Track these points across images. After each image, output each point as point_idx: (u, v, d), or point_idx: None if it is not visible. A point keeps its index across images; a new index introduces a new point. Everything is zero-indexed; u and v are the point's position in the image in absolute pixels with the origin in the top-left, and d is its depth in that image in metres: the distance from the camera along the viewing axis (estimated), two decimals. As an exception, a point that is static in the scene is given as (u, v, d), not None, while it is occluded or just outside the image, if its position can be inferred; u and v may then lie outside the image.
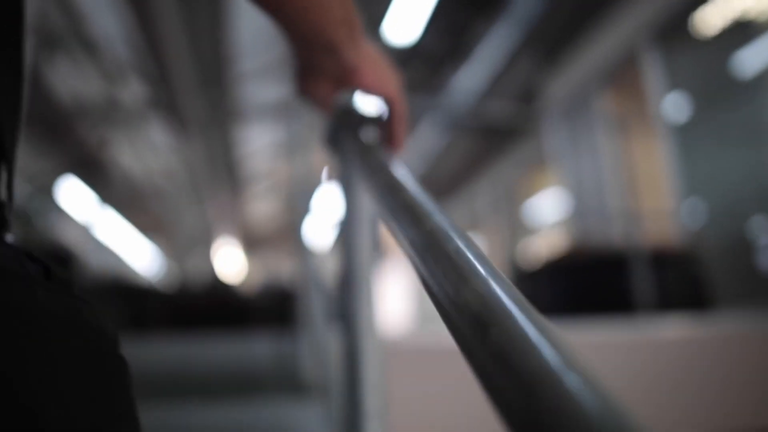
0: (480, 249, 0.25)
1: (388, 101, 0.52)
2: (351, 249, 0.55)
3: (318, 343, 1.93)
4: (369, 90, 0.51)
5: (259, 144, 8.91)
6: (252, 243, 15.26)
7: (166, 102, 6.11)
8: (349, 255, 0.55)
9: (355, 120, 0.51)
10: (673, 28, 4.09)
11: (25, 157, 8.40)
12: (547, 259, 4.01)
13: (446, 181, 8.64)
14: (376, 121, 0.52)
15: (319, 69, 0.49)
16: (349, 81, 0.50)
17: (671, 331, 2.40)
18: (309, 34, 0.44)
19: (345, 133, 0.53)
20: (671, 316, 3.02)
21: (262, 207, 12.59)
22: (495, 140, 6.64)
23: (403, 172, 0.37)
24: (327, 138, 0.57)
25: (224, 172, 10.05)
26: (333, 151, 0.58)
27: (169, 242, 7.22)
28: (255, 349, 2.33)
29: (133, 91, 6.96)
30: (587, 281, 3.49)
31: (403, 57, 6.19)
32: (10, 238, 0.34)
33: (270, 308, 4.55)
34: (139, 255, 14.52)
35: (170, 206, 7.23)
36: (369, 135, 0.50)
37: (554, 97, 5.23)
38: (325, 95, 0.52)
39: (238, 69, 6.63)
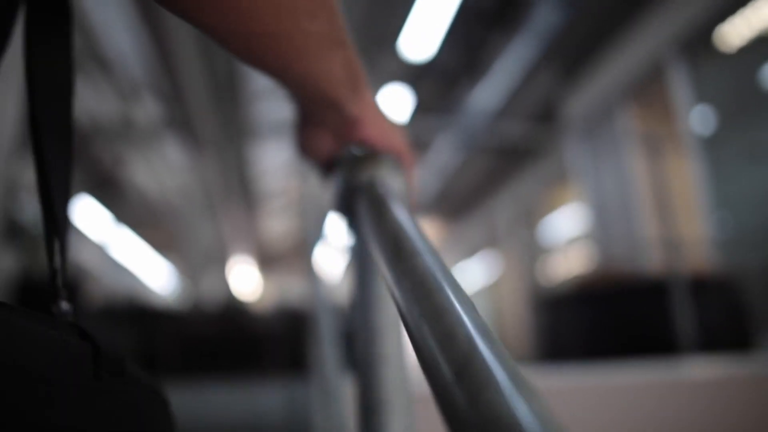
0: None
1: (397, 154, 0.49)
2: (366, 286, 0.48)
3: (330, 393, 1.77)
4: (373, 144, 0.48)
5: (274, 162, 8.86)
6: (267, 261, 15.20)
7: (180, 120, 6.06)
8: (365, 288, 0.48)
9: (360, 173, 0.46)
10: (699, 41, 3.93)
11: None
12: (571, 286, 3.77)
13: (463, 198, 8.48)
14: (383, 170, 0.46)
15: (321, 122, 0.48)
16: (351, 135, 0.47)
17: (715, 371, 2.17)
18: (309, 91, 0.42)
19: (353, 191, 0.46)
20: (714, 354, 2.73)
21: (276, 225, 12.55)
22: (513, 157, 6.48)
23: (415, 236, 0.33)
24: (337, 203, 0.49)
25: (239, 189, 10.02)
26: (345, 217, 0.50)
27: (183, 260, 7.19)
28: (264, 398, 2.19)
29: (148, 109, 6.95)
30: (617, 312, 3.15)
31: (419, 73, 6.11)
32: (64, 306, 0.34)
33: (284, 339, 4.41)
34: (153, 274, 14.53)
35: (184, 224, 7.22)
36: (378, 187, 0.44)
37: (575, 113, 5.04)
38: (326, 150, 0.50)
39: (253, 86, 6.59)
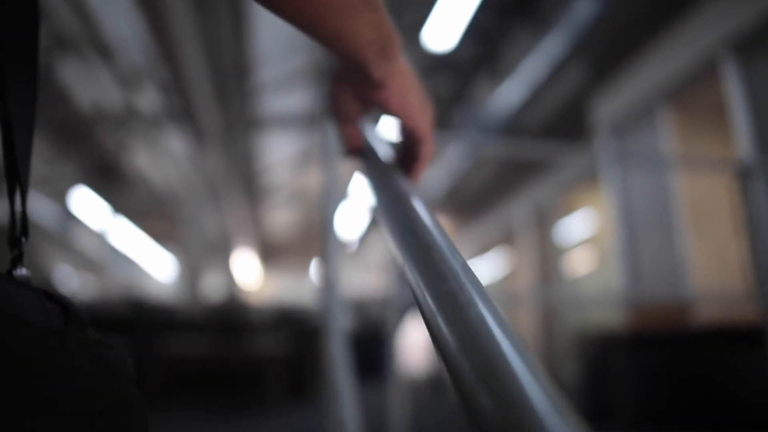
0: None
1: (414, 129, 0.49)
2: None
3: (342, 418, 1.62)
4: (392, 112, 0.48)
5: (280, 154, 8.73)
6: (270, 253, 15.09)
7: (184, 111, 5.92)
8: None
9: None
10: (753, 39, 3.53)
11: (40, 166, 8.32)
12: (622, 331, 3.20)
13: (478, 196, 8.30)
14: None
15: (348, 80, 0.48)
16: (373, 97, 0.47)
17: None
18: (338, 48, 0.42)
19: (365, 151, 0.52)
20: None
21: (280, 217, 12.42)
22: (535, 155, 6.27)
23: (419, 208, 0.36)
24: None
25: (243, 181, 9.89)
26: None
27: (184, 251, 7.14)
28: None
29: (152, 100, 6.81)
30: (685, 363, 2.43)
31: (441, 65, 5.95)
32: (23, 273, 0.36)
33: (286, 357, 4.09)
34: (154, 264, 14.43)
35: (186, 214, 7.14)
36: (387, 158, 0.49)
37: (605, 113, 4.72)
38: (352, 111, 0.50)
39: (260, 78, 6.45)
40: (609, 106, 4.72)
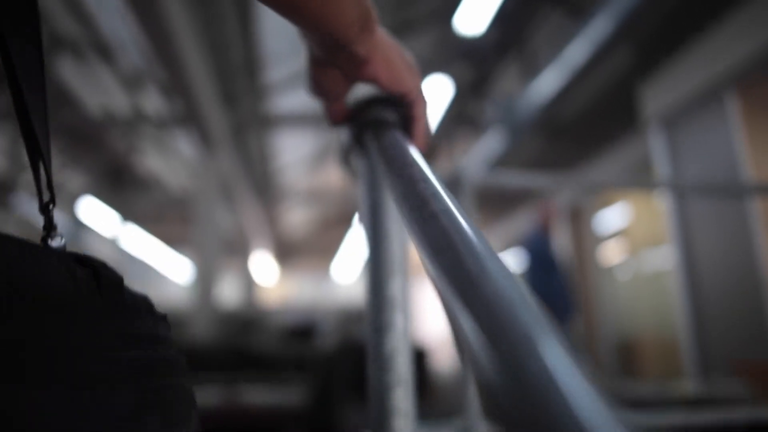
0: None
1: (406, 97, 0.49)
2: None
3: None
4: (382, 84, 0.47)
5: (295, 154, 8.50)
6: (286, 253, 14.89)
7: (190, 114, 5.68)
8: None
9: (368, 118, 0.48)
10: None
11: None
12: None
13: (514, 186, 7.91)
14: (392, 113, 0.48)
15: (331, 62, 0.47)
16: (361, 75, 0.47)
17: None
18: (321, 30, 0.41)
19: (361, 137, 0.49)
20: None
21: (297, 216, 12.20)
22: (576, 146, 5.87)
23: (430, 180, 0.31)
24: (344, 150, 0.53)
25: (257, 182, 9.68)
26: (350, 167, 0.55)
27: (199, 255, 6.98)
28: None
29: (157, 103, 6.59)
30: None
31: (473, 51, 5.64)
32: (58, 241, 0.34)
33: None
34: (170, 268, 14.27)
35: (199, 217, 7.00)
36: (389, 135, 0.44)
37: (657, 101, 4.25)
38: (337, 90, 0.50)
39: (271, 77, 6.16)
40: (661, 94, 4.25)
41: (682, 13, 3.87)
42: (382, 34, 0.46)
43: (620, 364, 5.91)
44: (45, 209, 0.36)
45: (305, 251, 15.03)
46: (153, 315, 0.35)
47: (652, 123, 4.40)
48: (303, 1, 0.37)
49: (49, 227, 0.35)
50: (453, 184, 0.87)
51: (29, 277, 0.26)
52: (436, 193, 0.28)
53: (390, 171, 0.36)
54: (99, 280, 0.30)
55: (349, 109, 0.51)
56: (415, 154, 0.37)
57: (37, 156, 0.36)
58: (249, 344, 4.71)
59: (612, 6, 3.69)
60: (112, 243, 11.02)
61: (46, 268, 0.28)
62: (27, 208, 8.12)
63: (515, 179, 0.95)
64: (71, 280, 0.29)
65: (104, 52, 5.44)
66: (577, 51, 4.11)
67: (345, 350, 3.93)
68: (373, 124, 0.47)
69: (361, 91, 0.49)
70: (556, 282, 3.91)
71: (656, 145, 4.40)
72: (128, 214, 10.15)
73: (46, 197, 0.36)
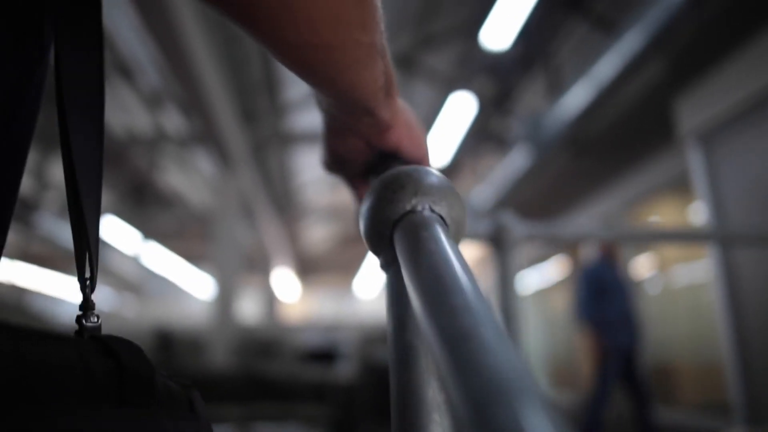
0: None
1: (423, 161, 0.49)
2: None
3: None
4: (404, 149, 0.47)
5: (317, 171, 8.43)
6: (308, 269, 14.82)
7: (209, 133, 5.64)
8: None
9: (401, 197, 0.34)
10: None
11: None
12: None
13: (541, 202, 7.69)
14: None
15: (352, 130, 0.45)
16: (384, 141, 0.46)
17: None
18: (350, 98, 0.40)
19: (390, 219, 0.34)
20: None
21: (318, 233, 12.13)
22: (605, 162, 5.67)
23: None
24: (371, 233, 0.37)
25: (278, 199, 9.64)
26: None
27: (220, 272, 6.96)
28: None
29: (177, 123, 6.58)
30: None
31: (496, 65, 5.53)
32: (93, 321, 0.34)
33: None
34: (191, 284, 14.29)
35: (220, 234, 6.99)
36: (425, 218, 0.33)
37: (693, 116, 4.03)
38: (357, 163, 0.49)
39: (292, 94, 6.11)
40: (698, 109, 4.03)
41: (718, 25, 3.67)
42: (399, 100, 0.46)
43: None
44: (83, 287, 0.35)
45: (326, 267, 14.94)
46: (188, 413, 0.32)
47: (689, 139, 4.19)
48: (342, 71, 0.37)
49: (86, 307, 0.34)
50: (495, 238, 0.72)
51: (34, 373, 0.25)
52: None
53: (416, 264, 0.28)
54: (122, 375, 0.29)
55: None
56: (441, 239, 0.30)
57: (83, 232, 0.35)
58: (267, 371, 4.58)
59: (644, 19, 3.52)
60: (134, 260, 11.06)
61: (57, 362, 0.26)
62: (50, 226, 8.16)
63: (565, 229, 0.80)
64: (84, 375, 0.27)
65: (123, 71, 5.43)
66: (607, 65, 3.94)
67: (366, 377, 3.78)
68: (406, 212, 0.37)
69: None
70: (617, 310, 3.72)
71: (694, 162, 4.19)
72: (149, 231, 10.17)
73: (87, 275, 0.35)
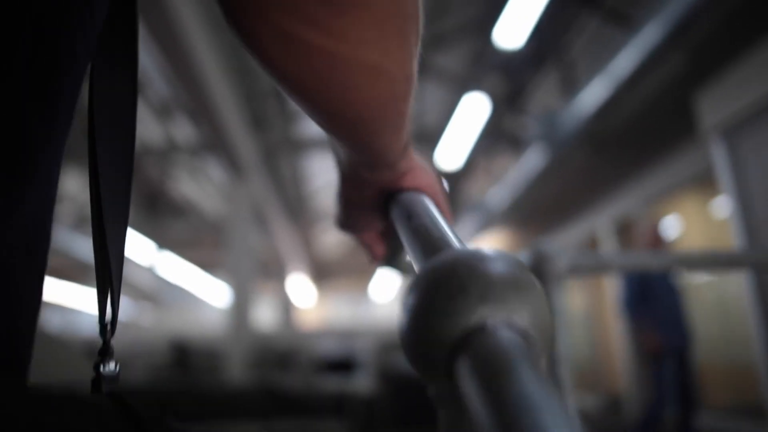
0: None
1: (438, 203, 0.47)
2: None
3: None
4: (422, 191, 0.46)
5: (330, 175, 8.38)
6: (323, 274, 14.77)
7: (219, 142, 5.59)
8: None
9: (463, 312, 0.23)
10: None
11: (85, 207, 8.23)
12: None
13: (559, 202, 7.56)
14: None
15: (369, 181, 0.46)
16: (403, 185, 0.46)
17: None
18: (378, 155, 0.41)
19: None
20: None
21: (332, 238, 12.07)
22: (623, 159, 5.53)
23: None
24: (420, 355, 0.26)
25: (291, 205, 9.60)
26: None
27: (234, 279, 6.94)
28: None
29: (188, 132, 6.54)
30: None
31: (508, 63, 5.44)
32: (111, 367, 0.34)
33: None
34: (207, 292, 14.30)
35: (234, 241, 6.96)
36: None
37: (716, 110, 3.90)
38: (370, 217, 0.49)
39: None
40: (721, 103, 3.89)
41: (740, 16, 3.53)
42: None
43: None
44: (103, 332, 0.35)
45: (342, 272, 14.88)
46: None
47: (713, 134, 4.05)
48: (379, 135, 0.37)
49: (104, 352, 0.34)
50: (534, 271, 0.62)
51: None
52: None
53: None
54: None
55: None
56: None
57: (107, 277, 0.35)
58: (284, 383, 4.51)
59: (663, 12, 3.39)
60: (149, 271, 11.07)
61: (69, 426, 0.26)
62: (64, 238, 8.18)
63: (615, 258, 0.71)
64: None
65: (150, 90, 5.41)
66: (625, 60, 3.81)
67: (386, 388, 3.70)
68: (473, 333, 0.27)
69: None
70: (667, 309, 3.50)
71: (718, 158, 4.04)
72: (164, 241, 10.16)
73: (107, 319, 0.35)
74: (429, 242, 0.33)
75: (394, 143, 0.40)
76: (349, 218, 0.50)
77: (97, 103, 0.36)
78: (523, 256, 0.67)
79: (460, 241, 0.32)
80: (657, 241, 3.66)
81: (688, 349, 3.51)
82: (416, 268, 0.32)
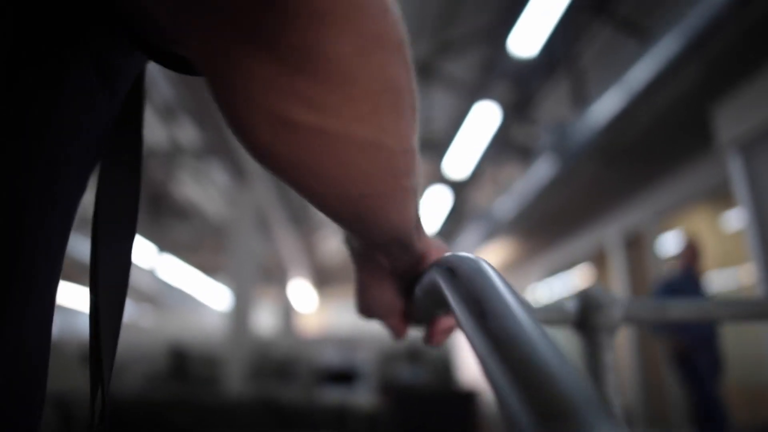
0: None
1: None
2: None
3: None
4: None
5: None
6: (325, 280, 14.69)
7: (223, 145, 5.52)
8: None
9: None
10: None
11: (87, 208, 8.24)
12: None
13: (567, 213, 7.46)
14: None
15: (387, 269, 0.47)
16: (419, 269, 0.46)
17: None
18: (389, 238, 0.41)
19: None
20: None
21: (335, 243, 12.00)
22: (636, 171, 5.44)
23: None
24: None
25: (294, 210, 9.53)
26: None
27: (236, 283, 6.89)
28: None
29: (192, 135, 6.48)
30: None
31: (517, 72, 5.35)
32: None
33: None
34: (208, 296, 14.23)
35: (236, 246, 6.93)
36: None
37: (733, 123, 3.80)
38: (391, 300, 0.50)
39: None
40: (738, 116, 3.80)
41: (759, 28, 3.44)
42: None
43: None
44: (92, 416, 0.35)
45: (344, 278, 14.80)
46: None
47: (729, 148, 3.95)
48: (385, 215, 0.37)
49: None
50: (582, 321, 0.55)
51: None
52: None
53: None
54: None
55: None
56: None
57: (99, 378, 0.35)
58: (283, 395, 4.40)
59: (681, 23, 3.30)
60: (150, 273, 11.01)
61: None
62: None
63: (674, 308, 0.61)
64: None
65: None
66: (640, 71, 3.73)
67: (388, 400, 3.60)
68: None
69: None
70: (700, 328, 3.35)
71: (735, 172, 3.94)
72: (165, 244, 10.10)
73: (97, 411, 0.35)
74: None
75: (403, 222, 0.39)
76: (371, 305, 0.51)
77: (101, 210, 0.37)
78: (571, 303, 0.58)
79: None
80: (695, 256, 3.55)
81: (720, 373, 3.38)
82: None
